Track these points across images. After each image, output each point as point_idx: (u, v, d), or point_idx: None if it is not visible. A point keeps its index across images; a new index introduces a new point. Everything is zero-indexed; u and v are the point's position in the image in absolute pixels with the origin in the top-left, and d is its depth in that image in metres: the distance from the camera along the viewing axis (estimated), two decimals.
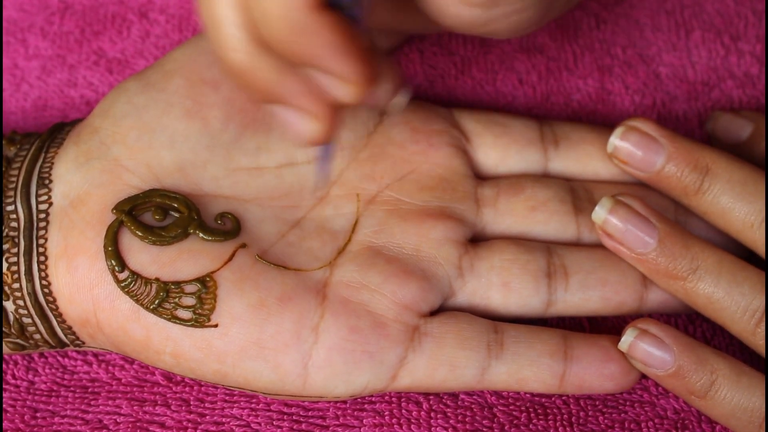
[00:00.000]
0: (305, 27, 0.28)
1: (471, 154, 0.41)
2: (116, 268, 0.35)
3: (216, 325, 0.35)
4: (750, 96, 0.45)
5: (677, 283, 0.37)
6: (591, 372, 0.37)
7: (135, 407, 0.38)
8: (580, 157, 0.42)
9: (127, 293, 0.35)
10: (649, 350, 0.36)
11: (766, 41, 0.45)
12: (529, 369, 0.37)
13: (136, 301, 0.35)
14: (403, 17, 0.38)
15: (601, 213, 0.38)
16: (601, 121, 0.45)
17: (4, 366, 0.39)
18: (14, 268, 0.35)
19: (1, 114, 0.45)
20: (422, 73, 0.45)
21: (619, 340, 0.37)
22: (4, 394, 0.39)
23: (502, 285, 0.38)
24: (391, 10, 0.38)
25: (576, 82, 0.45)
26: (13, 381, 0.39)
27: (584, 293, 0.39)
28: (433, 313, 0.38)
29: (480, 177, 0.41)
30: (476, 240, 0.40)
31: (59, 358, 0.39)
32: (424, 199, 0.39)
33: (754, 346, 0.37)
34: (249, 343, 0.35)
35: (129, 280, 0.35)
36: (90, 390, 0.39)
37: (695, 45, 0.46)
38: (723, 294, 0.37)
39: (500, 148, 0.41)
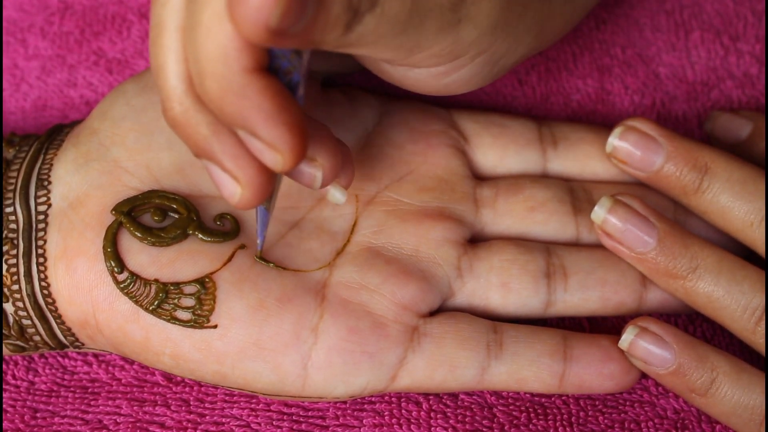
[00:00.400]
0: (239, 89, 0.28)
1: (470, 155, 0.41)
2: (115, 269, 0.35)
3: (215, 326, 0.35)
4: (749, 96, 0.45)
5: (677, 283, 0.37)
6: (591, 371, 0.37)
7: (135, 407, 0.38)
8: (578, 158, 0.42)
9: (127, 294, 0.35)
10: (650, 348, 0.36)
11: (766, 41, 0.45)
12: (528, 369, 0.37)
13: (136, 302, 0.35)
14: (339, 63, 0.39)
15: (600, 212, 0.38)
16: (600, 121, 0.45)
17: (4, 366, 0.39)
18: (13, 269, 0.35)
19: (0, 114, 0.45)
20: None
21: (618, 340, 0.37)
22: (4, 395, 0.39)
23: (501, 285, 0.38)
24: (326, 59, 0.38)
25: (575, 83, 0.45)
26: (13, 381, 0.39)
27: (583, 293, 0.39)
28: (433, 313, 0.38)
29: (479, 177, 0.41)
30: (475, 240, 0.40)
31: (59, 359, 0.39)
32: (422, 200, 0.39)
33: (754, 344, 0.37)
34: (248, 343, 0.35)
35: (128, 281, 0.35)
36: (90, 390, 0.39)
37: (694, 45, 0.45)
38: (723, 293, 0.37)
39: (499, 149, 0.41)
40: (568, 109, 0.45)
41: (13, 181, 0.37)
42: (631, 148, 0.39)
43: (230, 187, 0.31)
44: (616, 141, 0.39)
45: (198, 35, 0.28)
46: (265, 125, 0.28)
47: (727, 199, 0.37)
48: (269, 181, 0.31)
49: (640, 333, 0.37)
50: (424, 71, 0.34)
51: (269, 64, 0.29)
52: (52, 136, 0.38)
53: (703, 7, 0.46)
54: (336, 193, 0.36)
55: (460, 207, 0.39)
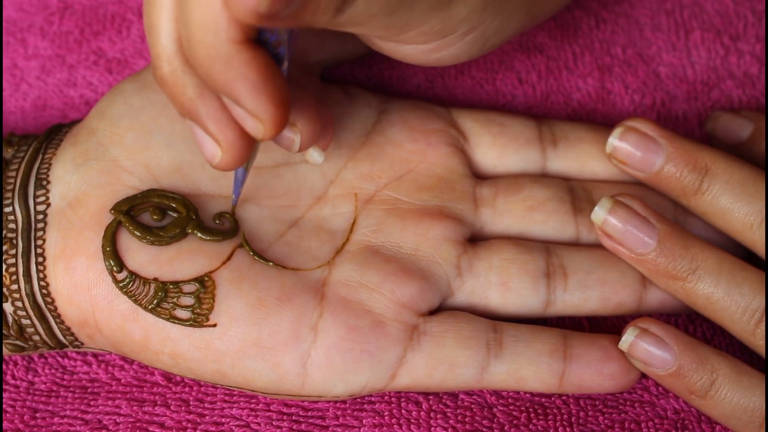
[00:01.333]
0: (225, 58, 0.29)
1: (469, 154, 0.41)
2: (114, 268, 0.35)
3: (215, 325, 0.35)
4: (750, 96, 0.45)
5: (677, 284, 0.37)
6: (590, 371, 0.37)
7: (134, 407, 0.38)
8: (578, 157, 0.42)
9: (126, 293, 0.35)
10: (650, 349, 0.36)
11: (766, 41, 0.45)
12: (528, 368, 0.37)
13: (135, 301, 0.35)
14: (336, 48, 0.40)
15: (600, 213, 0.38)
16: (600, 120, 0.45)
17: (3, 366, 0.39)
18: (12, 269, 0.35)
19: (0, 114, 0.45)
20: (422, 72, 0.45)
21: (619, 340, 0.37)
22: (4, 395, 0.39)
23: (500, 285, 0.38)
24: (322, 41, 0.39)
25: (576, 82, 0.45)
26: (12, 381, 0.39)
27: (583, 293, 0.39)
28: (432, 312, 0.38)
29: (478, 176, 0.41)
30: (475, 240, 0.40)
31: (59, 359, 0.39)
32: (422, 199, 0.39)
33: (754, 346, 0.37)
34: (248, 342, 0.35)
35: (127, 280, 0.35)
36: (89, 390, 0.39)
37: (695, 45, 0.45)
38: (723, 294, 0.36)
39: (498, 148, 0.41)
40: (568, 108, 0.45)
41: (11, 180, 0.37)
42: (631, 149, 0.39)
43: (211, 149, 0.32)
44: (616, 141, 0.39)
45: (189, 1, 0.28)
46: (249, 95, 0.29)
47: (727, 200, 0.37)
48: (249, 145, 0.32)
49: (640, 334, 0.37)
50: (414, 47, 0.34)
51: (257, 37, 0.29)
52: (51, 135, 0.38)
53: (704, 6, 0.46)
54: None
55: (460, 206, 0.39)
